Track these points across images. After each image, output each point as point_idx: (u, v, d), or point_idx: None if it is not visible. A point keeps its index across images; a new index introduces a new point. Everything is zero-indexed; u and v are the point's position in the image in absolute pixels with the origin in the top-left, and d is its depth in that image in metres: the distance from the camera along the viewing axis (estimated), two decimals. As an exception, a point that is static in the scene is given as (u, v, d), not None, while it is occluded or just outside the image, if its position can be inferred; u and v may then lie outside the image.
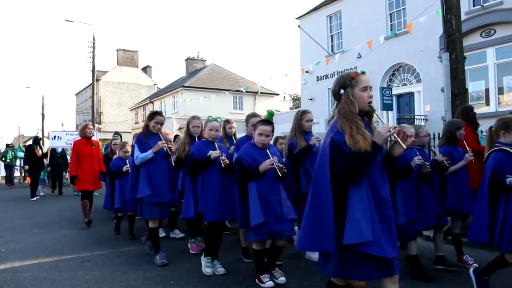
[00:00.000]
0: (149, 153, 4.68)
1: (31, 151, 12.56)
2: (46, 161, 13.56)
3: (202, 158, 4.23)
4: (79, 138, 7.49)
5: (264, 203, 3.69)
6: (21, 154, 16.92)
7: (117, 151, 6.90)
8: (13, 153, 17.32)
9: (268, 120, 4.04)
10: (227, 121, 5.74)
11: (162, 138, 4.78)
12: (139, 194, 4.67)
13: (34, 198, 11.93)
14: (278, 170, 3.71)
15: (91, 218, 7.24)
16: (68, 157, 14.36)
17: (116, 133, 11.36)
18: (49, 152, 13.94)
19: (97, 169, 7.33)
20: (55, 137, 13.97)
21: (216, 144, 4.33)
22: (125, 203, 6.00)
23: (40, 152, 12.68)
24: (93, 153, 7.32)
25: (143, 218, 5.17)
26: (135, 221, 6.40)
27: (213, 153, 4.19)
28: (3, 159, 17.17)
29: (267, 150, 3.82)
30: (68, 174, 15.84)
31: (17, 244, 5.91)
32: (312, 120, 4.78)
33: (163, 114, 5.05)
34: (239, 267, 4.57)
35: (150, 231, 4.96)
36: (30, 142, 22.62)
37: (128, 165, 6.14)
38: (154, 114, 4.94)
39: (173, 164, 5.01)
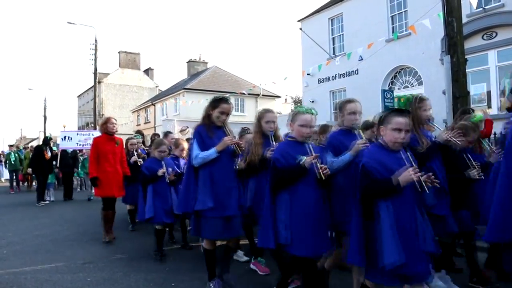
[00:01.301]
0: (212, 152, 3.60)
1: (40, 153, 11.51)
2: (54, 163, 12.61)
3: (290, 165, 3.08)
4: (100, 134, 6.38)
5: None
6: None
7: (152, 150, 5.56)
8: (17, 155, 16.07)
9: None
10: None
11: (228, 132, 3.74)
12: (198, 205, 3.58)
13: (42, 204, 10.96)
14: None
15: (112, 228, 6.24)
16: (81, 159, 13.90)
17: (138, 132, 9.89)
18: (59, 154, 12.86)
19: (120, 171, 6.20)
20: (65, 137, 12.54)
21: (309, 146, 3.13)
22: (158, 213, 5.06)
23: (49, 154, 11.64)
24: (116, 152, 6.20)
25: (201, 237, 4.07)
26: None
27: (307, 160, 3.01)
28: (7, 162, 16.12)
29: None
30: (79, 178, 15.29)
31: (18, 246, 5.92)
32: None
33: (229, 101, 3.83)
34: None
35: (205, 253, 3.85)
36: (34, 143, 21.99)
37: (164, 167, 5.22)
38: (218, 101, 3.76)
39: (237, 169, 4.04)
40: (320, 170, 2.95)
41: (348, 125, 3.57)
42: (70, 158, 12.94)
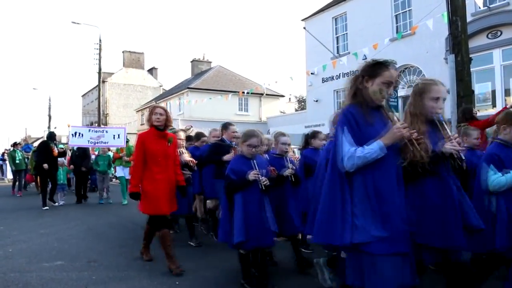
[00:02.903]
0: (377, 148, 2.32)
1: (46, 149, 10.26)
2: (64, 160, 11.50)
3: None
4: (147, 129, 4.76)
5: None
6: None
7: (240, 144, 4.25)
8: (22, 152, 14.42)
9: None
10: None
11: (390, 117, 2.50)
12: (359, 235, 2.31)
13: (47, 208, 9.87)
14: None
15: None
16: (93, 157, 12.37)
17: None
18: (68, 150, 11.81)
19: (173, 179, 4.61)
20: (75, 133, 11.21)
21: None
22: (252, 236, 3.78)
23: (57, 150, 10.41)
24: (169, 154, 4.61)
25: None
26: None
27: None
28: (12, 161, 14.22)
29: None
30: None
31: (24, 244, 5.96)
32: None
33: (395, 66, 2.58)
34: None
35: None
36: (36, 143, 21.02)
37: (256, 168, 3.98)
38: (378, 67, 2.51)
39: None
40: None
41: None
42: (78, 157, 11.69)
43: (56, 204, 10.59)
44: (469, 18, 8.57)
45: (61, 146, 12.32)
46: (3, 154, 23.97)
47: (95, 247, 5.75)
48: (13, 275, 4.41)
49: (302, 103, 38.51)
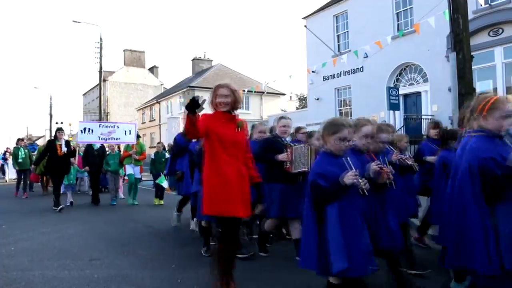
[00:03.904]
0: None
1: (51, 147, 9.36)
2: (74, 161, 10.35)
3: None
4: (212, 111, 3.66)
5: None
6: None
7: (325, 136, 3.55)
8: (26, 150, 13.00)
9: None
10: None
11: None
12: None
13: (59, 208, 9.01)
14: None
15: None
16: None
17: None
18: (77, 149, 10.58)
19: (245, 173, 3.58)
20: (84, 129, 10.30)
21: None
22: (355, 260, 2.86)
23: (64, 149, 9.37)
24: (239, 142, 3.60)
25: None
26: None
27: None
28: (15, 159, 12.91)
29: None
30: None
31: (26, 243, 5.97)
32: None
33: None
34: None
35: None
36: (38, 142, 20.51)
37: (353, 170, 3.30)
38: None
39: None
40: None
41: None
42: (97, 156, 10.67)
43: (61, 206, 9.15)
44: (470, 16, 8.55)
45: (73, 143, 10.83)
46: (4, 153, 23.94)
47: (97, 246, 5.75)
48: (16, 274, 4.42)
49: (303, 101, 38.48)
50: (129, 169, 10.58)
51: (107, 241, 6.06)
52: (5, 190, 14.67)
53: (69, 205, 10.00)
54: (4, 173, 24.18)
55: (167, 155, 10.82)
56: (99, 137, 10.39)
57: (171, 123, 24.93)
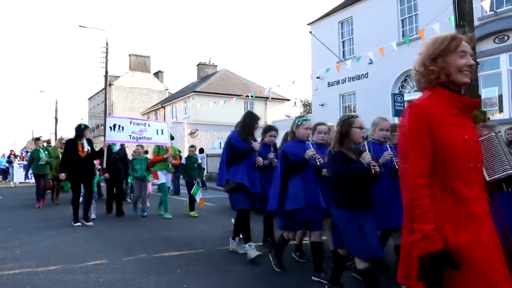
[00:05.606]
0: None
1: (72, 148, 7.78)
2: (97, 165, 9.28)
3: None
4: None
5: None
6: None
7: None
8: (46, 152, 11.07)
9: None
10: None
11: None
12: None
13: (79, 224, 7.68)
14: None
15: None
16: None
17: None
18: (105, 151, 8.36)
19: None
20: (114, 126, 8.42)
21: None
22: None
23: (86, 149, 7.89)
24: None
25: None
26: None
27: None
28: (33, 161, 10.91)
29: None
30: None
31: (31, 247, 6.00)
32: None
33: None
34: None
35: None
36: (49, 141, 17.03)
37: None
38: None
39: None
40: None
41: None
42: (118, 161, 9.37)
43: (90, 223, 7.79)
44: (476, 23, 8.55)
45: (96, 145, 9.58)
46: (9, 156, 24.00)
47: (102, 250, 5.77)
48: (21, 277, 4.44)
49: (308, 107, 38.49)
50: (162, 176, 9.11)
51: (112, 245, 6.07)
52: (11, 197, 13.88)
53: (93, 218, 8.36)
54: (6, 177, 24.01)
55: (199, 160, 10.04)
56: (130, 135, 8.58)
57: (175, 128, 25.02)
